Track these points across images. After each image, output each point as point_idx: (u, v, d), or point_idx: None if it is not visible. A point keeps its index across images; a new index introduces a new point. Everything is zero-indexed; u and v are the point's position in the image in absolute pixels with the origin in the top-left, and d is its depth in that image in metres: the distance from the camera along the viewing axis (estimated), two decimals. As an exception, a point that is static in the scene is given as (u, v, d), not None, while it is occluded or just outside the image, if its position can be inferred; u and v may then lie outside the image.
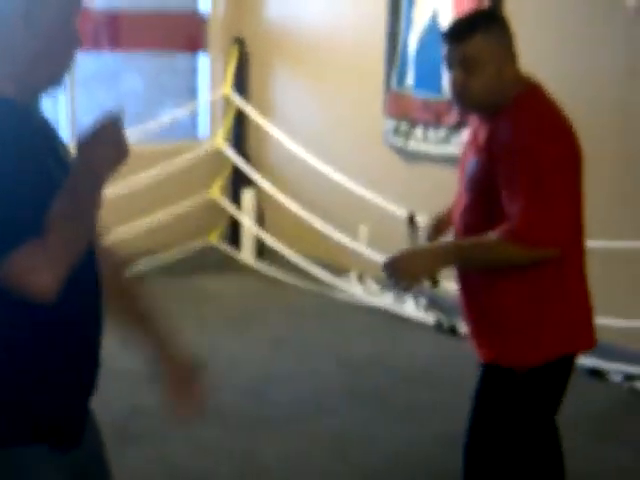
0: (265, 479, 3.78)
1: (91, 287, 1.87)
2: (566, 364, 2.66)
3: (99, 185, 1.72)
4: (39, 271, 1.62)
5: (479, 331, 2.70)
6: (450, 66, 2.56)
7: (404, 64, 5.81)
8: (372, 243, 6.08)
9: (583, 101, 4.78)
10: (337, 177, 6.10)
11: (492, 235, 2.48)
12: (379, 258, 5.78)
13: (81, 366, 1.87)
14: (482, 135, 2.60)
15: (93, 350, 1.90)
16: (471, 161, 2.63)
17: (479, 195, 2.59)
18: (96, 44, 6.88)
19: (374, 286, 6.14)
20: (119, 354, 1.92)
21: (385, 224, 5.74)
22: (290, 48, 6.80)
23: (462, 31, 2.54)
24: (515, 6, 5.14)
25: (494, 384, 2.67)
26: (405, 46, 5.80)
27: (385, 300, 5.87)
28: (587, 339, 2.70)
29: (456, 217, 2.72)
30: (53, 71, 1.84)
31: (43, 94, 1.88)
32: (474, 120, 2.72)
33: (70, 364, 1.82)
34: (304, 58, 6.72)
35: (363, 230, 6.24)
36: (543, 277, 2.56)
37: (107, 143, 1.72)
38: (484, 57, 2.51)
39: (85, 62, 6.42)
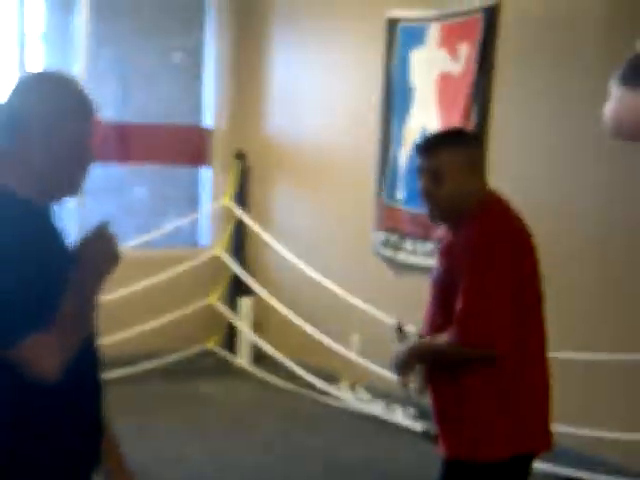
0: None
1: (88, 360, 2.06)
2: (521, 465, 2.80)
3: (94, 282, 1.98)
4: (45, 359, 1.86)
5: (442, 426, 2.85)
6: (420, 175, 2.83)
7: (394, 179, 6.09)
8: (363, 351, 6.24)
9: (568, 216, 5.04)
10: (331, 286, 6.29)
11: (443, 337, 2.71)
12: (370, 366, 5.96)
13: (85, 436, 2.06)
14: (446, 242, 2.84)
15: (95, 420, 2.10)
16: (437, 268, 2.86)
17: (441, 299, 2.81)
18: (105, 156, 7.19)
19: (365, 394, 6.28)
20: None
21: (376, 333, 5.91)
22: (289, 162, 7.09)
23: (431, 145, 2.83)
24: (501, 125, 5.44)
25: (452, 478, 2.82)
26: (395, 162, 6.09)
27: (375, 407, 6.01)
28: (543, 441, 2.85)
29: (426, 321, 2.93)
30: (68, 184, 2.07)
31: (58, 201, 2.12)
32: (442, 230, 2.95)
33: (75, 434, 2.01)
34: (301, 172, 7.01)
35: (355, 339, 6.41)
36: (501, 375, 2.73)
37: (99, 252, 1.98)
38: (448, 170, 2.76)
39: (94, 173, 6.72)
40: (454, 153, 2.79)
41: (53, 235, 2.07)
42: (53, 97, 2.02)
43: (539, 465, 4.98)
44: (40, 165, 2.00)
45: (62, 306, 1.90)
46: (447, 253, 2.80)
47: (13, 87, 2.05)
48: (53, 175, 2.02)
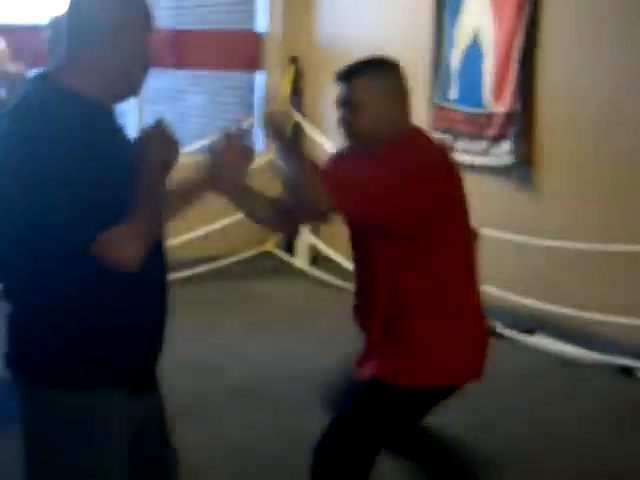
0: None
1: (155, 256, 2.20)
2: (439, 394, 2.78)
3: (159, 175, 2.12)
4: (126, 248, 2.00)
5: (376, 346, 2.77)
6: (339, 105, 2.74)
7: (447, 80, 6.13)
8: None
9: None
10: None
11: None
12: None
13: (149, 322, 2.23)
14: None
15: (160, 308, 2.26)
16: None
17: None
18: (160, 62, 7.29)
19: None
20: (183, 347, 2.21)
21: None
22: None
23: (350, 74, 2.73)
24: (553, 21, 5.43)
25: (375, 397, 2.75)
26: (448, 63, 6.12)
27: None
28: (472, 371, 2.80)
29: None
30: (131, 85, 2.20)
31: (120, 102, 2.24)
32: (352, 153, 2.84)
33: (139, 320, 2.18)
34: None
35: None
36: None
37: (158, 142, 2.13)
38: (367, 99, 2.68)
39: (150, 80, 6.84)
40: (374, 82, 2.71)
41: (117, 131, 2.21)
42: (115, 6, 2.12)
43: (592, 355, 5.14)
44: (104, 70, 2.11)
45: (134, 198, 2.04)
46: None
47: None
48: (116, 79, 2.14)
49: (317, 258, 7.31)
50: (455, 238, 2.77)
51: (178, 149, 2.16)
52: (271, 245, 7.47)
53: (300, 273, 7.16)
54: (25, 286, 2.11)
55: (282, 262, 7.35)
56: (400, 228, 2.64)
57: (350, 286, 6.59)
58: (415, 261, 2.67)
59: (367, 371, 2.77)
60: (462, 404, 3.13)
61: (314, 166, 2.69)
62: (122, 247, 2.00)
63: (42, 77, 2.15)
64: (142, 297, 2.18)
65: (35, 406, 2.16)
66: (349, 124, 2.72)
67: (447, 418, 3.12)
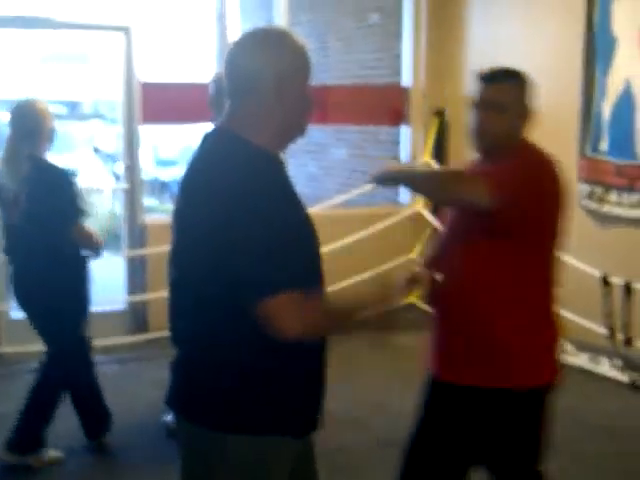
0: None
1: None
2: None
3: (362, 312, 2.24)
4: (293, 321, 2.02)
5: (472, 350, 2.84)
6: (478, 106, 2.80)
7: (598, 131, 6.04)
8: (568, 304, 6.24)
9: None
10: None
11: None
12: (575, 319, 5.98)
13: (321, 380, 2.29)
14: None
15: (325, 357, 2.31)
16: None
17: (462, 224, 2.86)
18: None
19: (569, 346, 6.30)
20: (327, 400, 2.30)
21: (581, 285, 5.92)
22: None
23: (498, 77, 2.81)
24: None
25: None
26: (599, 113, 6.04)
27: (581, 359, 6.04)
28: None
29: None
30: (296, 134, 2.23)
31: (287, 147, 2.27)
32: (474, 163, 2.96)
33: (318, 378, 2.25)
34: None
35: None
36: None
37: (384, 295, 2.31)
38: (511, 103, 2.78)
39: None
40: (518, 89, 2.82)
41: (290, 183, 2.21)
42: (276, 49, 2.13)
43: None
44: (276, 117, 2.14)
45: (332, 302, 2.14)
46: None
47: (235, 48, 2.15)
48: (286, 126, 2.17)
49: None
50: (550, 250, 2.85)
51: (393, 301, 2.32)
52: (415, 297, 7.46)
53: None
54: (201, 332, 2.14)
55: (426, 314, 7.31)
56: (527, 225, 2.72)
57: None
58: (519, 262, 2.77)
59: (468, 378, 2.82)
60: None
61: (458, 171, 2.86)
62: (287, 315, 2.02)
63: (217, 131, 2.19)
64: (318, 347, 2.23)
65: (200, 449, 2.17)
66: (485, 124, 2.79)
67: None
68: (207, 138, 2.20)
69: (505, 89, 2.79)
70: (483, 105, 2.78)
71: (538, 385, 2.84)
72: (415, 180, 2.91)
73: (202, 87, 4.84)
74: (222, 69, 2.20)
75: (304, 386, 2.20)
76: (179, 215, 2.17)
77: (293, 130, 2.22)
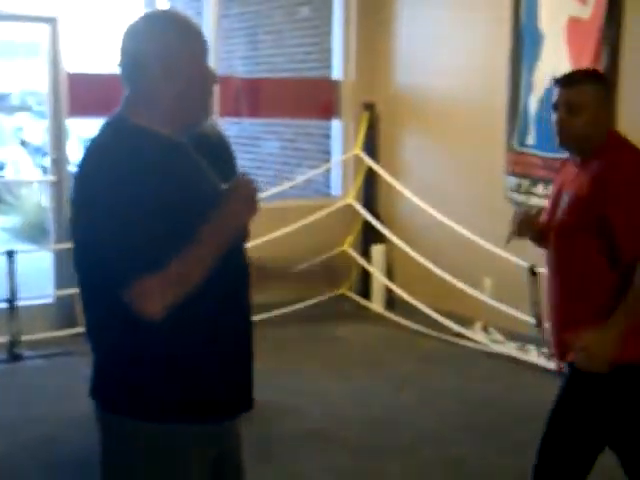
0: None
1: (236, 286, 2.19)
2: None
3: (227, 235, 2.08)
4: (151, 299, 1.97)
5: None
6: (557, 108, 2.95)
7: (525, 125, 6.16)
8: (496, 294, 6.37)
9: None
10: (462, 232, 6.44)
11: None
12: (503, 308, 6.09)
13: (231, 363, 2.19)
14: (575, 173, 2.97)
15: (245, 342, 2.23)
16: (569, 193, 2.98)
17: (580, 225, 2.92)
18: (236, 111, 7.44)
19: (498, 335, 6.42)
20: (262, 390, 2.24)
21: (508, 276, 6.03)
22: (417, 111, 7.21)
23: (574, 79, 2.98)
24: (631, 70, 5.44)
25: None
26: (526, 108, 6.15)
27: (509, 348, 6.15)
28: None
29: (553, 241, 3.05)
30: (196, 107, 2.16)
31: (193, 129, 2.19)
32: (564, 163, 3.15)
33: (225, 361, 2.16)
34: (430, 120, 7.11)
35: (487, 282, 6.55)
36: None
37: (241, 200, 2.11)
38: (588, 102, 2.91)
39: (228, 128, 6.99)
40: (594, 88, 2.94)
41: (191, 166, 2.15)
42: (161, 32, 2.09)
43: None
44: (167, 100, 2.09)
45: (189, 247, 2.00)
46: (589, 181, 2.89)
47: (124, 33, 2.13)
48: (181, 106, 2.12)
49: (391, 301, 7.34)
50: None
51: (258, 206, 2.14)
52: (346, 289, 7.52)
53: (376, 316, 7.19)
54: (99, 323, 2.15)
55: (358, 305, 7.39)
56: None
57: (425, 329, 6.62)
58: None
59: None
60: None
61: None
62: (148, 299, 1.97)
63: (108, 121, 2.15)
64: (229, 329, 2.17)
65: (115, 438, 2.17)
66: (567, 126, 2.93)
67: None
68: (102, 126, 2.17)
69: (581, 90, 2.92)
70: (559, 108, 2.94)
71: None
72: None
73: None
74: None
75: (205, 370, 2.13)
76: (71, 208, 2.15)
77: (187, 113, 2.14)
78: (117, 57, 2.13)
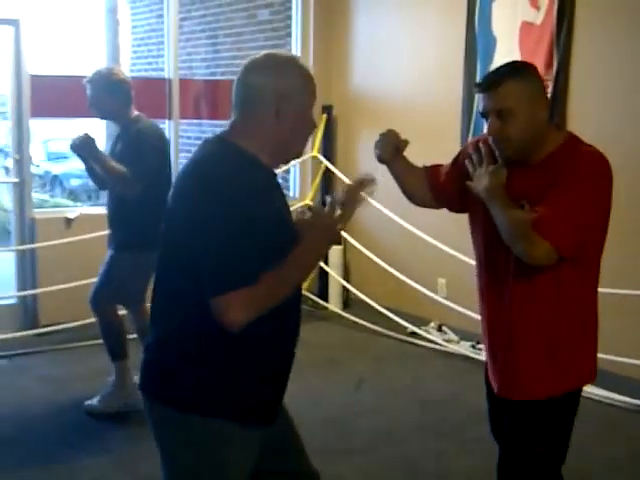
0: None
1: (294, 313, 2.41)
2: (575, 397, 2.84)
3: (313, 261, 2.34)
4: (239, 310, 2.13)
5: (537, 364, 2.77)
6: (486, 115, 2.63)
7: (479, 125, 6.27)
8: (450, 295, 6.50)
9: None
10: (417, 233, 6.54)
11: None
12: (457, 308, 6.21)
13: (282, 370, 2.49)
14: (521, 181, 2.65)
15: (292, 358, 2.50)
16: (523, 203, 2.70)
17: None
18: (198, 113, 7.47)
19: (452, 335, 6.54)
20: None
21: (461, 276, 6.15)
22: (373, 114, 7.31)
23: (496, 80, 2.60)
24: (581, 75, 5.56)
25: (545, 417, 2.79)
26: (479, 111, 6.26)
27: (463, 347, 6.28)
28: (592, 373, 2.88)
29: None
30: (290, 154, 2.39)
31: (283, 165, 2.45)
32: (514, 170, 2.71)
33: (279, 375, 2.45)
34: (387, 123, 7.03)
35: (441, 282, 6.68)
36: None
37: (323, 229, 2.32)
38: (517, 104, 2.57)
39: (188, 130, 7.03)
40: (520, 85, 2.59)
41: (280, 196, 2.37)
42: (286, 74, 2.28)
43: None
44: (279, 136, 2.29)
45: (274, 271, 2.17)
46: (539, 187, 2.62)
47: (247, 66, 2.31)
48: (281, 144, 2.31)
49: (348, 301, 7.44)
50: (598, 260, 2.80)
51: (339, 237, 2.39)
52: (304, 289, 7.59)
53: (333, 316, 7.28)
54: (175, 328, 2.29)
55: (315, 305, 7.48)
56: (594, 249, 2.71)
57: (381, 329, 6.69)
58: (583, 278, 2.75)
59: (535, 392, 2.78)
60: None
61: (521, 218, 2.58)
62: (232, 311, 2.13)
63: (212, 140, 2.32)
64: (285, 349, 2.44)
65: (174, 431, 2.32)
66: (505, 137, 2.62)
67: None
68: (204, 143, 2.33)
69: (505, 93, 2.59)
70: (488, 115, 2.63)
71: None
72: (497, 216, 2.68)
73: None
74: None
75: (265, 381, 2.37)
76: (168, 215, 2.29)
77: (288, 150, 2.36)
78: (235, 86, 2.31)
